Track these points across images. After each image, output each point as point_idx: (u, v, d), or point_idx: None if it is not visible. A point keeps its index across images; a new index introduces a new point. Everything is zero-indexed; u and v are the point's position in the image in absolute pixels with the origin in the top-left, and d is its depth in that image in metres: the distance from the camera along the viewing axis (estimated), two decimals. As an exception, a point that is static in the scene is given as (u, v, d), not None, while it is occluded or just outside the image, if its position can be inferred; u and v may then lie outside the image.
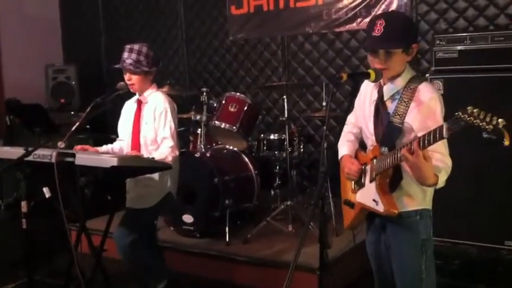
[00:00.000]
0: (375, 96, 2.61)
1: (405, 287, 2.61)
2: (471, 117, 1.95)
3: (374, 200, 2.50)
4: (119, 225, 3.49)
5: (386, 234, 2.65)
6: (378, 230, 2.70)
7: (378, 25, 2.40)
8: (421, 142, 2.16)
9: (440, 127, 2.08)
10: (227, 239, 4.48)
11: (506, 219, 4.02)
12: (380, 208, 2.47)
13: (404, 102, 2.46)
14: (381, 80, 2.56)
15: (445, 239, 4.16)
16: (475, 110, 1.96)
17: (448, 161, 2.37)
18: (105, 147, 3.63)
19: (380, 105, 2.56)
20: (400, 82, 2.51)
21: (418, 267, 2.55)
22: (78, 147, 3.42)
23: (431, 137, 2.13)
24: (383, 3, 5.46)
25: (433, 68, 4.32)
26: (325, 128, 5.01)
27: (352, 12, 5.67)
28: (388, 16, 2.51)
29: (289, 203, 4.73)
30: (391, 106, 2.53)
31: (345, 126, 2.86)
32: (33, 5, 7.44)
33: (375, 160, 2.53)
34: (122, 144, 3.66)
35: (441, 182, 2.32)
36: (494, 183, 4.05)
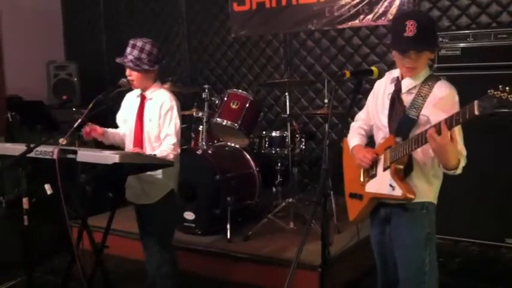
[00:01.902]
0: (390, 89, 2.65)
1: (408, 280, 2.64)
2: (504, 93, 1.99)
3: (391, 185, 2.53)
4: (147, 242, 3.54)
5: (391, 226, 2.68)
6: (383, 222, 2.72)
7: (410, 26, 2.44)
8: (448, 122, 2.18)
9: (471, 104, 2.10)
10: (228, 236, 4.48)
11: (506, 217, 4.03)
12: (398, 192, 2.50)
13: (422, 96, 2.52)
14: (399, 75, 2.62)
15: (446, 237, 4.16)
16: (507, 88, 2.00)
17: (464, 151, 2.43)
18: (111, 130, 3.61)
19: (396, 98, 2.61)
20: (419, 78, 2.57)
21: (421, 260, 2.58)
22: (87, 128, 3.40)
23: (461, 115, 2.15)
24: (386, 0, 5.44)
25: (436, 65, 4.32)
26: (327, 125, 5.00)
27: (355, 9, 5.65)
28: (418, 17, 2.53)
29: (290, 200, 4.73)
30: (407, 100, 2.58)
31: (354, 123, 2.90)
32: (34, 2, 7.43)
33: (389, 149, 2.56)
34: (125, 131, 3.63)
35: (460, 168, 2.37)
36: (495, 181, 4.06)
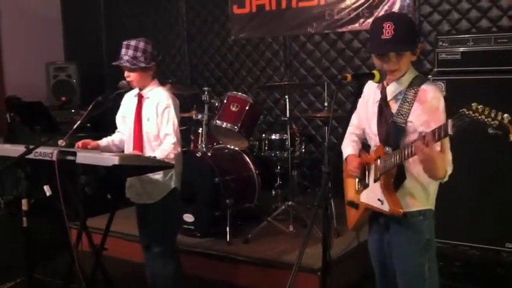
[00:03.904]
0: (378, 96, 2.62)
1: (408, 287, 2.60)
2: (476, 113, 1.97)
3: (379, 200, 2.51)
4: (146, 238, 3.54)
5: (389, 233, 2.66)
6: (382, 229, 2.70)
7: (387, 28, 2.40)
8: (436, 134, 2.16)
9: (445, 124, 2.09)
10: (228, 239, 4.48)
11: (507, 221, 4.02)
12: (385, 208, 2.47)
13: (408, 102, 2.47)
14: (384, 81, 2.57)
15: (446, 241, 4.16)
16: (479, 107, 1.98)
17: (450, 155, 2.39)
18: (105, 140, 3.60)
19: (383, 105, 2.58)
20: (404, 82, 2.52)
21: (421, 267, 2.55)
22: (80, 143, 3.40)
23: (436, 134, 2.14)
24: (386, 4, 5.45)
25: (435, 69, 4.33)
26: (327, 128, 5.00)
27: (355, 13, 5.66)
28: (395, 18, 2.49)
29: (290, 203, 4.73)
30: (394, 106, 2.54)
31: (348, 128, 2.87)
32: (34, 3, 7.43)
33: (379, 160, 2.53)
34: (122, 136, 3.63)
35: (447, 176, 2.34)
36: (495, 185, 4.06)
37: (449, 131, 2.06)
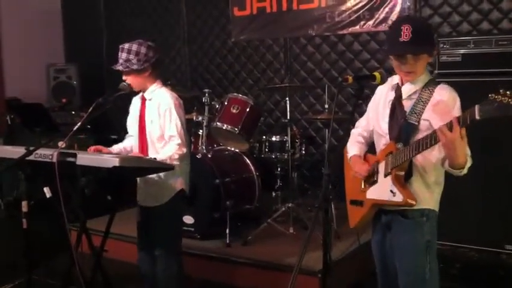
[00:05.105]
0: (391, 96, 2.65)
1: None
2: (505, 97, 2.00)
3: (391, 191, 2.52)
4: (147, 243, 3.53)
5: (391, 233, 2.67)
6: (383, 230, 2.71)
7: (405, 30, 2.45)
8: (460, 120, 2.17)
9: (472, 109, 2.10)
10: (227, 241, 4.47)
11: (506, 223, 4.02)
12: (398, 198, 2.49)
13: (422, 101, 2.51)
14: (399, 81, 2.62)
15: (446, 243, 4.16)
16: (508, 92, 2.00)
17: (468, 151, 2.40)
18: (116, 147, 3.60)
19: (396, 104, 2.61)
20: (419, 83, 2.56)
21: (422, 268, 2.56)
22: (92, 148, 3.40)
23: (461, 118, 2.16)
24: (386, 6, 5.45)
25: (436, 72, 4.32)
26: (327, 130, 5.00)
27: (356, 15, 5.66)
28: (413, 21, 2.55)
29: (290, 205, 4.72)
30: (408, 105, 2.57)
31: (354, 129, 2.89)
32: (35, 4, 7.43)
33: (390, 156, 2.55)
34: (133, 141, 3.62)
35: (466, 168, 2.37)
36: (495, 187, 4.05)
37: (476, 116, 2.08)
